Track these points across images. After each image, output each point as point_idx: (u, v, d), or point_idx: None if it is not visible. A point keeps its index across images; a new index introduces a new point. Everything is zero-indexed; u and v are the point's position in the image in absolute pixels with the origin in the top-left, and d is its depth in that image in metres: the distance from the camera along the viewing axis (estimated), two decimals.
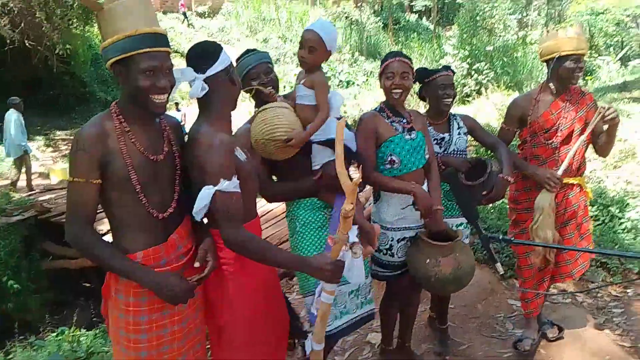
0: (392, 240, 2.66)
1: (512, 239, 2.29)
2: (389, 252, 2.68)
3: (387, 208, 2.65)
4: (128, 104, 1.73)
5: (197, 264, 1.87)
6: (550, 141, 2.90)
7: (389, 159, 2.54)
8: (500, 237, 2.15)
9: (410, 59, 2.61)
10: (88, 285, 7.24)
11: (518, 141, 3.20)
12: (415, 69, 2.67)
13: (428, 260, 2.48)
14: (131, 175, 1.69)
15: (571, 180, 2.93)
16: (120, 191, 1.71)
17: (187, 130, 1.98)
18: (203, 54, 1.93)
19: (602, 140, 2.90)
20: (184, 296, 1.76)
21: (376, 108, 2.66)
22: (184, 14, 25.39)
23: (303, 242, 2.44)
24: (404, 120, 2.60)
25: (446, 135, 2.92)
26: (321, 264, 1.80)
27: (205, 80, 1.89)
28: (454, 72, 2.93)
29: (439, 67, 2.95)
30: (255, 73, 2.44)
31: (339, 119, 2.23)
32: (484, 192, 2.66)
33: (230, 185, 1.81)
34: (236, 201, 1.82)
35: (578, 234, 3.01)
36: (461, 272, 2.50)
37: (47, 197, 8.12)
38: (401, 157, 2.54)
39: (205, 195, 1.78)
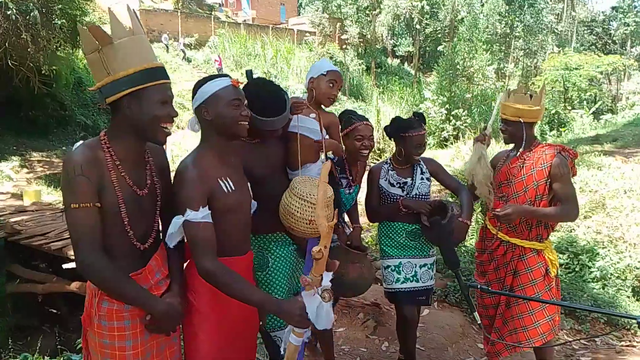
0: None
1: (489, 287, 2.31)
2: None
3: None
4: (126, 135, 1.73)
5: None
6: (502, 194, 2.90)
7: None
8: (479, 285, 2.19)
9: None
10: (54, 311, 7.02)
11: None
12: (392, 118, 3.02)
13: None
14: (121, 209, 1.70)
15: (526, 244, 2.79)
16: (107, 222, 1.70)
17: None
18: (193, 89, 1.96)
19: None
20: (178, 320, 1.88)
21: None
22: (218, 69, 24.72)
23: (277, 277, 2.41)
24: (350, 178, 2.85)
25: (409, 179, 3.00)
26: (292, 308, 1.75)
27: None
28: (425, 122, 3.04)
29: (413, 115, 3.05)
30: None
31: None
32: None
33: (196, 215, 1.80)
34: (204, 231, 1.81)
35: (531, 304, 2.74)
36: (361, 281, 2.77)
37: (18, 218, 7.91)
38: None
39: (175, 223, 1.82)
